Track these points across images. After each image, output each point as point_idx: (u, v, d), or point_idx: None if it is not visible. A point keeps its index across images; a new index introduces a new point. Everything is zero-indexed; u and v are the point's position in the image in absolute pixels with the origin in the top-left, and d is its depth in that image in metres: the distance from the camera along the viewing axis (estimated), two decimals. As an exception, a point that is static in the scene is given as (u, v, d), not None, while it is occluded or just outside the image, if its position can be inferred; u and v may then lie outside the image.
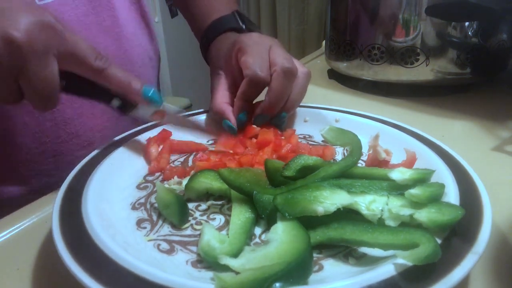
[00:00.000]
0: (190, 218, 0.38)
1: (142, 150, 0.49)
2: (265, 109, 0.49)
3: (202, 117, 0.56)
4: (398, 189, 0.35)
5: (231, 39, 0.54)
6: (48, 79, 0.37)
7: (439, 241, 0.30)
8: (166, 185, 0.42)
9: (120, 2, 0.61)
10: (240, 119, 0.50)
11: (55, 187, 0.42)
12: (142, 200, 0.41)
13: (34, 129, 0.54)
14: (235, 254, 0.31)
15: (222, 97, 0.53)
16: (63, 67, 0.39)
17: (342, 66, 0.77)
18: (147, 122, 0.51)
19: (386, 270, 0.28)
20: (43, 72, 0.36)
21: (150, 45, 0.69)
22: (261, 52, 0.49)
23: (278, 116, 0.51)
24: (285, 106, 0.50)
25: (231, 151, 0.47)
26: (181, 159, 0.49)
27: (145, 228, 0.36)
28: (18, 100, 0.39)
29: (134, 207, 0.40)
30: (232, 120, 0.51)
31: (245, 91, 0.49)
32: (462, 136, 0.58)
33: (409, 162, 0.43)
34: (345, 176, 0.39)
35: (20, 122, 0.53)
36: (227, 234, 0.34)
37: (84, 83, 0.42)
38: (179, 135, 0.52)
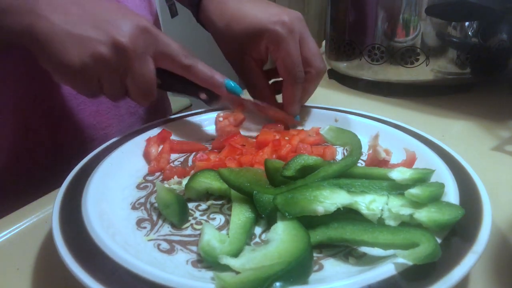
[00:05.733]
0: (190, 218, 0.38)
1: (142, 150, 0.49)
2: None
3: (205, 116, 0.56)
4: (398, 188, 0.35)
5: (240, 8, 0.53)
6: (147, 76, 0.43)
7: (439, 240, 0.30)
8: (166, 185, 0.42)
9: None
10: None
11: (53, 181, 0.43)
12: (142, 200, 0.41)
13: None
14: (235, 254, 0.31)
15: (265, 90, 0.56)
16: (158, 65, 0.45)
17: (342, 66, 0.77)
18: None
19: (386, 270, 0.28)
20: (144, 70, 0.43)
21: None
22: (295, 48, 0.50)
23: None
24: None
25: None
26: (181, 159, 0.49)
27: (145, 228, 0.36)
28: (123, 96, 0.45)
29: (134, 207, 0.40)
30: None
31: (295, 94, 0.52)
32: (462, 136, 0.58)
33: (409, 162, 0.43)
34: (345, 176, 0.39)
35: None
36: (227, 234, 0.34)
37: (175, 79, 0.47)
38: (180, 134, 0.52)
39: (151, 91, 0.45)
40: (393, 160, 0.44)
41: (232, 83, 0.48)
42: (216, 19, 0.54)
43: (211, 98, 0.51)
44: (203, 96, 0.50)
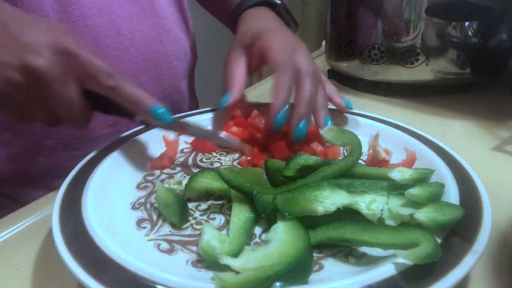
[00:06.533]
0: (190, 218, 0.38)
1: (142, 150, 0.49)
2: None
3: (206, 116, 0.56)
4: (398, 188, 0.35)
5: (259, 23, 0.55)
6: (71, 98, 0.40)
7: (439, 240, 0.30)
8: (166, 185, 0.42)
9: None
10: (302, 130, 0.47)
11: (79, 161, 0.44)
12: (142, 200, 0.41)
13: None
14: (235, 254, 0.31)
15: (241, 74, 0.53)
16: (84, 86, 0.42)
17: (342, 66, 0.77)
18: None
19: (386, 270, 0.28)
20: (65, 93, 0.39)
21: (186, 40, 0.70)
22: (281, 43, 0.50)
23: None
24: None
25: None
26: (181, 159, 0.49)
27: (145, 228, 0.36)
28: (57, 121, 0.43)
29: (134, 207, 0.40)
30: (236, 95, 0.50)
31: (281, 81, 0.47)
32: (462, 136, 0.58)
33: (409, 162, 0.43)
34: (345, 176, 0.39)
35: None
36: (227, 234, 0.34)
37: (108, 101, 0.43)
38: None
39: (81, 114, 0.42)
40: (393, 160, 0.44)
41: (158, 109, 0.43)
42: (238, 29, 0.59)
43: (145, 121, 0.47)
44: (138, 118, 0.46)
